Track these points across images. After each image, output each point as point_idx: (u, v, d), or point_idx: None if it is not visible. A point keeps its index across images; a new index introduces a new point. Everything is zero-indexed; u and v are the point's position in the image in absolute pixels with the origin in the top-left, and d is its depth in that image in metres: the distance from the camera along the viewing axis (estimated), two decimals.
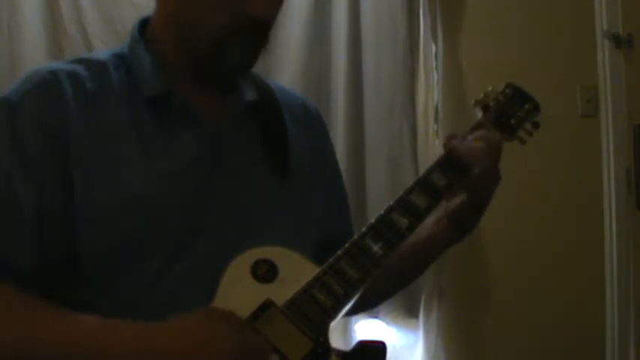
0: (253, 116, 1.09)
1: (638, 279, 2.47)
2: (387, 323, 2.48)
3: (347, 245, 0.98)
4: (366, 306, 1.26)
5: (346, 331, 2.37)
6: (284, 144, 1.10)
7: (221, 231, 0.99)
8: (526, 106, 1.18)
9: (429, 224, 1.14)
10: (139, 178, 0.97)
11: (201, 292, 0.92)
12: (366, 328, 2.45)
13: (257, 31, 1.02)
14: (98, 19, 2.35)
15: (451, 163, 1.07)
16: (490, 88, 1.20)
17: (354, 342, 0.98)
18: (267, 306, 0.91)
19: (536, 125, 1.19)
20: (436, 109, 2.51)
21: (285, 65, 2.49)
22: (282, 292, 0.93)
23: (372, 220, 1.01)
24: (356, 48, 2.51)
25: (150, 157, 0.99)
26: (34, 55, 2.35)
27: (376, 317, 2.45)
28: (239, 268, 0.94)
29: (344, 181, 1.28)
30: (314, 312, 0.92)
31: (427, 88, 2.54)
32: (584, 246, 2.53)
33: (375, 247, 0.98)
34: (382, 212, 1.02)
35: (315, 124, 1.21)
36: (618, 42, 2.50)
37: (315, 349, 0.90)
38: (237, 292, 0.93)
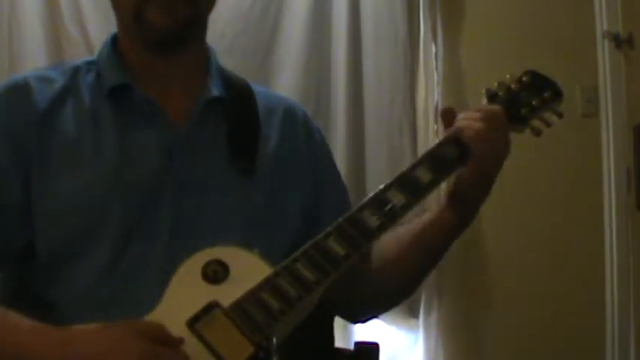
0: (220, 114, 1.10)
1: (638, 279, 2.47)
2: (387, 323, 2.48)
3: (306, 246, 0.94)
4: (392, 299, 1.22)
5: (346, 330, 2.37)
6: (251, 143, 1.09)
7: (174, 228, 1.00)
8: (545, 95, 1.11)
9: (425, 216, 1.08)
10: (92, 174, 1.00)
11: (150, 286, 0.94)
12: (366, 328, 2.45)
13: None
14: (98, 19, 2.35)
15: (440, 157, 1.01)
16: (508, 76, 1.13)
17: (352, 342, 0.98)
18: (210, 307, 0.89)
19: (558, 114, 1.11)
20: (436, 109, 2.51)
21: (285, 65, 2.49)
22: (231, 293, 0.90)
23: (339, 219, 0.96)
24: (356, 48, 2.51)
25: (106, 153, 1.02)
26: (34, 55, 2.35)
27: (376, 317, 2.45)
28: (190, 268, 0.93)
29: (343, 180, 1.26)
30: (260, 315, 0.89)
31: (427, 88, 2.54)
32: (584, 246, 2.53)
33: (337, 248, 0.94)
34: (352, 211, 0.97)
35: (299, 127, 1.18)
36: (618, 42, 2.50)
37: (257, 354, 0.87)
38: (185, 293, 0.91)
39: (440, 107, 2.50)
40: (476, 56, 2.55)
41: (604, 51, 2.52)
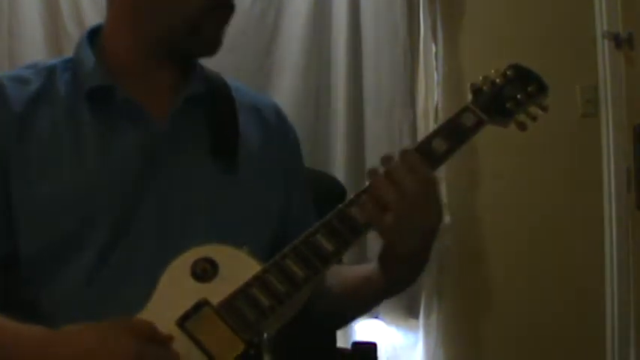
0: (201, 112, 1.09)
1: (638, 279, 2.47)
2: (387, 323, 2.48)
3: (296, 242, 0.94)
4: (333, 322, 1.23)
5: (346, 330, 2.37)
6: (232, 140, 1.09)
7: (161, 228, 1.00)
8: (529, 89, 1.08)
9: (370, 265, 1.06)
10: (71, 177, 0.99)
11: (139, 286, 0.93)
12: (366, 328, 2.45)
13: (231, 6, 1.05)
14: (98, 18, 2.34)
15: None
16: (493, 71, 1.12)
17: (351, 341, 0.97)
18: (200, 305, 0.89)
19: (543, 108, 1.09)
20: (436, 109, 2.51)
21: (285, 65, 2.49)
22: (220, 291, 0.90)
23: (328, 215, 0.96)
24: (356, 48, 2.51)
25: (85, 156, 1.00)
26: (34, 55, 2.35)
27: (376, 317, 2.45)
28: (179, 267, 0.93)
29: (341, 180, 1.26)
30: (250, 312, 0.89)
31: (427, 88, 2.54)
32: (584, 246, 2.53)
33: (327, 245, 0.93)
34: (339, 207, 0.96)
35: (274, 126, 1.18)
36: (618, 42, 2.49)
37: (247, 351, 0.87)
38: (175, 292, 0.91)
39: (440, 107, 2.51)
40: (476, 56, 2.55)
41: (604, 51, 2.52)
